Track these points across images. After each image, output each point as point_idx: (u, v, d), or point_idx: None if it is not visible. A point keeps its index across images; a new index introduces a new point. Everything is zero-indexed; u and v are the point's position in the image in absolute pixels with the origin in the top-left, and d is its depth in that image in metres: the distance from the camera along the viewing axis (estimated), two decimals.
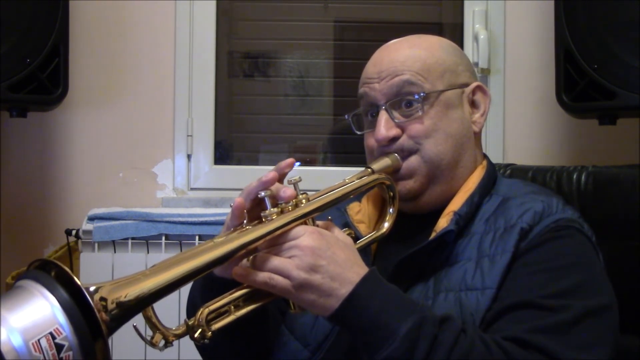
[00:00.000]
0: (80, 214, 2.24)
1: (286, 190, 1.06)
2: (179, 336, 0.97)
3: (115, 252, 2.14)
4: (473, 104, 1.30)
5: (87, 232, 2.14)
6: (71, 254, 2.20)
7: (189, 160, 2.43)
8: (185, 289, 1.13)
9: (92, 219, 2.16)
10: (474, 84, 1.30)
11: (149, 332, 0.95)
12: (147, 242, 2.15)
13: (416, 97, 1.23)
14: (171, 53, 2.41)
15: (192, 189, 2.44)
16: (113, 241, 2.14)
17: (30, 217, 2.37)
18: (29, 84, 1.94)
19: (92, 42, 2.37)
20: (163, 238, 2.15)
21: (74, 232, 2.17)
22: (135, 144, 2.41)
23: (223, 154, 2.53)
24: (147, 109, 2.41)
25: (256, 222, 1.07)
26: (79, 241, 2.17)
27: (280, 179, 1.10)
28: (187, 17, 2.42)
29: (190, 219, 2.14)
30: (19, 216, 2.35)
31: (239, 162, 2.58)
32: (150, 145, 2.42)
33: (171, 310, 1.90)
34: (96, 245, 2.14)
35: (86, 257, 2.14)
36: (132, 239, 2.14)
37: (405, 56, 1.25)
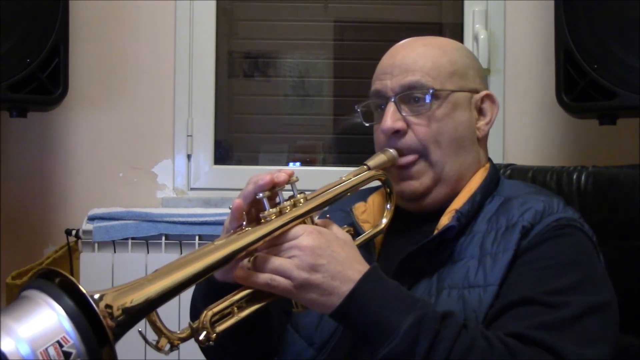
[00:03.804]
0: (80, 214, 2.24)
1: (279, 175, 1.07)
2: (183, 339, 0.98)
3: (115, 252, 2.14)
4: (480, 111, 1.31)
5: (87, 232, 2.14)
6: (71, 254, 2.21)
7: (189, 160, 2.43)
8: (185, 295, 1.13)
9: (92, 219, 2.16)
10: (484, 92, 1.31)
11: (154, 337, 0.95)
12: (147, 242, 2.15)
13: (426, 96, 1.24)
14: (171, 53, 2.41)
15: (192, 189, 2.44)
16: (113, 241, 2.14)
17: (30, 217, 2.37)
18: (29, 84, 1.93)
19: (92, 42, 2.37)
20: (163, 238, 2.15)
21: (74, 232, 2.17)
22: (135, 144, 2.41)
23: (223, 154, 2.53)
24: (147, 109, 2.41)
25: (255, 223, 1.07)
26: (79, 241, 2.17)
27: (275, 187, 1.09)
28: (187, 17, 2.43)
29: (190, 219, 2.14)
30: (19, 216, 2.36)
31: (239, 162, 2.58)
32: (150, 145, 2.42)
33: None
34: (96, 245, 2.14)
35: (86, 257, 2.14)
36: (132, 239, 2.14)
37: (418, 54, 1.27)
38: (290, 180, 1.09)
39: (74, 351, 0.76)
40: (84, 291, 0.78)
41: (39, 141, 2.38)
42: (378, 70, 1.31)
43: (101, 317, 0.78)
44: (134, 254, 2.14)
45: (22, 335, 0.75)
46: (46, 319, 0.77)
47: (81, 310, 0.78)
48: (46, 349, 0.75)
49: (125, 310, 0.83)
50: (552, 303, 1.05)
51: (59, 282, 0.79)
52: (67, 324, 0.77)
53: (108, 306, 0.81)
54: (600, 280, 1.13)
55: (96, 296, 0.81)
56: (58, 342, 0.76)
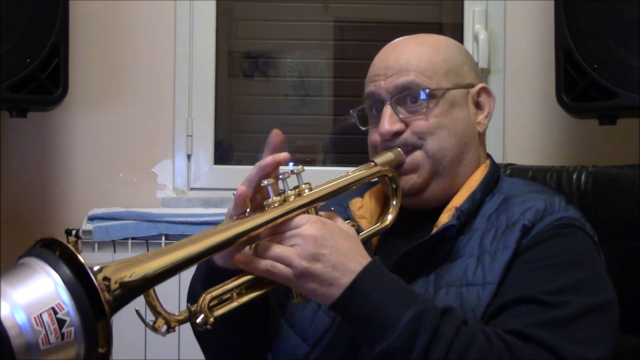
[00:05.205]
0: (80, 214, 2.24)
1: (279, 155, 1.07)
2: (181, 322, 0.98)
3: (115, 252, 2.14)
4: (478, 105, 1.30)
5: (87, 232, 2.14)
6: None
7: (188, 160, 2.43)
8: (186, 278, 1.13)
9: (92, 219, 2.16)
10: (479, 86, 1.30)
11: (151, 318, 0.95)
12: (147, 242, 2.15)
13: (421, 94, 1.23)
14: (171, 53, 2.41)
15: (192, 189, 2.44)
16: (113, 241, 2.14)
17: (30, 217, 2.37)
18: (29, 84, 1.93)
19: (92, 42, 2.37)
20: (163, 238, 2.15)
21: (74, 232, 2.17)
22: (135, 144, 2.41)
23: (223, 154, 2.53)
24: (147, 109, 2.41)
25: (259, 211, 1.06)
26: (79, 241, 2.17)
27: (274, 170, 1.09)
28: (187, 17, 2.43)
29: (190, 219, 2.14)
30: (19, 216, 2.35)
31: (239, 162, 2.58)
32: (150, 145, 2.42)
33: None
34: (96, 245, 2.14)
35: (86, 257, 2.09)
36: (132, 239, 2.14)
37: (411, 54, 1.26)
38: (297, 171, 1.08)
39: (67, 319, 0.76)
40: (83, 261, 0.79)
41: (39, 141, 2.38)
42: (371, 72, 1.30)
43: (99, 289, 0.78)
44: (134, 254, 2.10)
45: (18, 301, 0.75)
46: (42, 285, 0.77)
47: (79, 280, 0.77)
48: (40, 314, 0.75)
49: (123, 285, 0.84)
50: (552, 302, 1.05)
51: (59, 252, 0.80)
52: (62, 292, 0.77)
53: (106, 279, 0.82)
54: (600, 280, 1.13)
55: (95, 268, 0.81)
56: (52, 308, 0.76)
